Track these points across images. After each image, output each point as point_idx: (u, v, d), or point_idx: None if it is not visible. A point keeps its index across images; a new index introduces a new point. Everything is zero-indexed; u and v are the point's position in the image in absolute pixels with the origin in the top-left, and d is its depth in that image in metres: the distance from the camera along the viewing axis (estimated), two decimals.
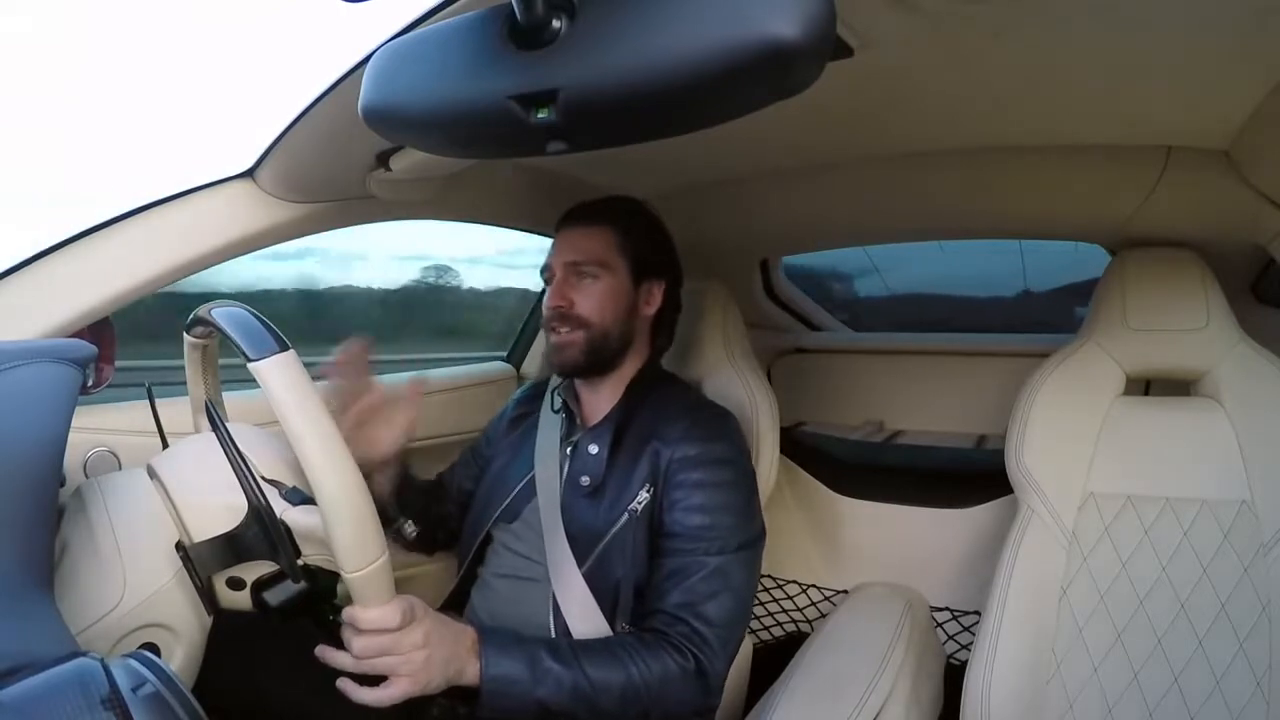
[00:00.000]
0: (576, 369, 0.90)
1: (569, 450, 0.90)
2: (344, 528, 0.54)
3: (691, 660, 0.75)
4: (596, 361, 0.89)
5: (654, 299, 0.93)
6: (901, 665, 0.93)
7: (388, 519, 0.94)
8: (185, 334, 0.71)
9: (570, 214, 0.93)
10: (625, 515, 0.82)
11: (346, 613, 0.61)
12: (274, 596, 0.65)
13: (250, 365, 0.55)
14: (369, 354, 0.81)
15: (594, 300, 0.87)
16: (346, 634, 0.61)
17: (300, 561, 0.64)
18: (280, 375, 0.54)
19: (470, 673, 0.67)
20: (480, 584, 0.93)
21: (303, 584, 0.64)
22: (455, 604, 0.96)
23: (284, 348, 0.56)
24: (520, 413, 1.02)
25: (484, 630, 0.70)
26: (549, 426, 0.94)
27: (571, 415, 0.93)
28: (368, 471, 0.82)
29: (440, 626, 0.65)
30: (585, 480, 0.86)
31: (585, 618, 0.81)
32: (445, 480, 1.06)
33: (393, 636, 0.61)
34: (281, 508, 0.64)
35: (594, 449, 0.87)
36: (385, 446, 0.84)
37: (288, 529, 0.63)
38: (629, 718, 0.72)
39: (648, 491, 0.83)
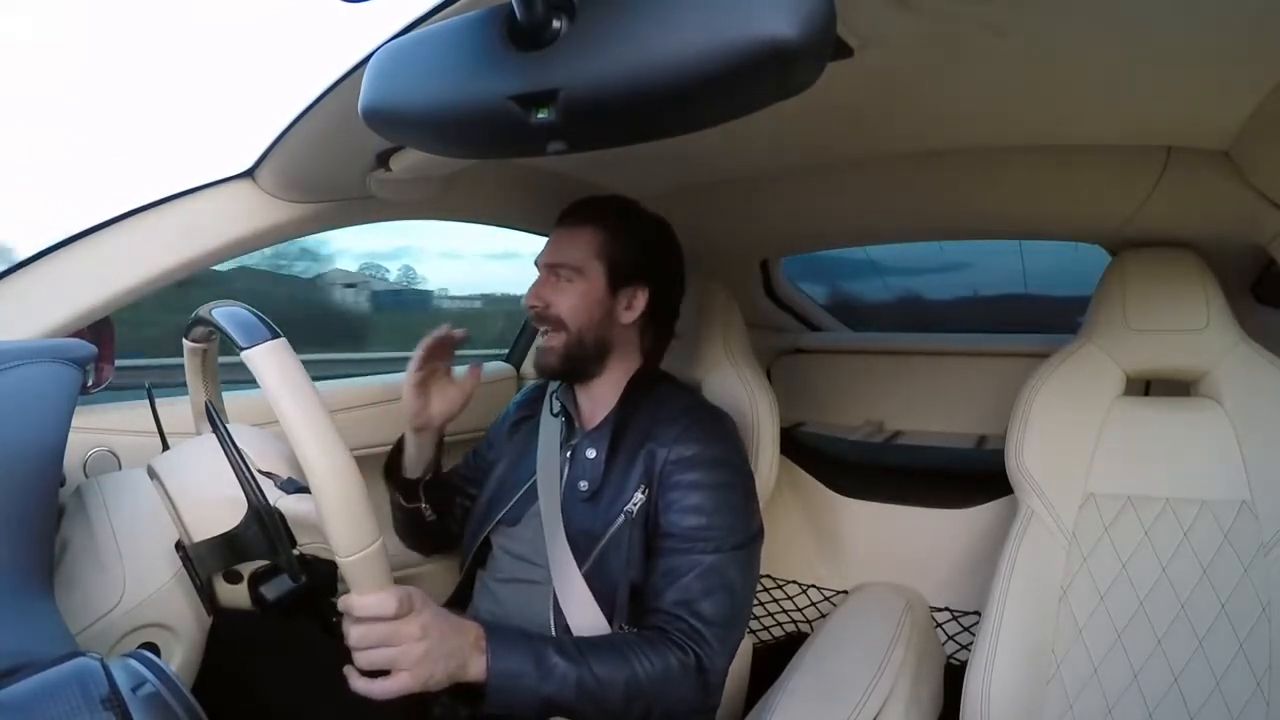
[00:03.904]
0: (554, 373, 0.91)
1: (568, 455, 0.90)
2: (337, 511, 0.54)
3: (692, 657, 0.75)
4: (572, 367, 0.90)
5: (635, 305, 0.90)
6: (901, 665, 0.93)
7: (414, 496, 0.96)
8: (184, 339, 0.71)
9: (565, 212, 0.93)
10: (621, 517, 0.83)
11: (343, 600, 0.60)
12: (271, 591, 0.65)
13: (242, 354, 0.55)
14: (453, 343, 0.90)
15: (568, 302, 0.88)
16: (345, 623, 0.60)
17: (296, 551, 0.64)
18: (271, 361, 0.55)
19: (475, 668, 0.66)
20: (481, 587, 0.93)
21: (302, 579, 0.64)
22: (458, 605, 0.96)
23: (275, 335, 0.56)
24: (521, 416, 1.02)
25: (488, 626, 0.69)
26: (549, 430, 0.94)
27: (570, 419, 0.94)
28: (418, 427, 0.90)
29: (442, 620, 0.64)
30: (584, 485, 0.86)
31: (586, 618, 0.81)
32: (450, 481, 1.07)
33: (390, 625, 0.59)
34: (276, 496, 0.64)
35: (591, 453, 0.87)
36: (435, 412, 0.89)
37: (282, 517, 0.63)
38: (631, 715, 0.72)
39: (642, 493, 0.83)
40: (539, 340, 0.91)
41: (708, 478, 0.83)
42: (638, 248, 0.91)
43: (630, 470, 0.84)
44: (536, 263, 0.93)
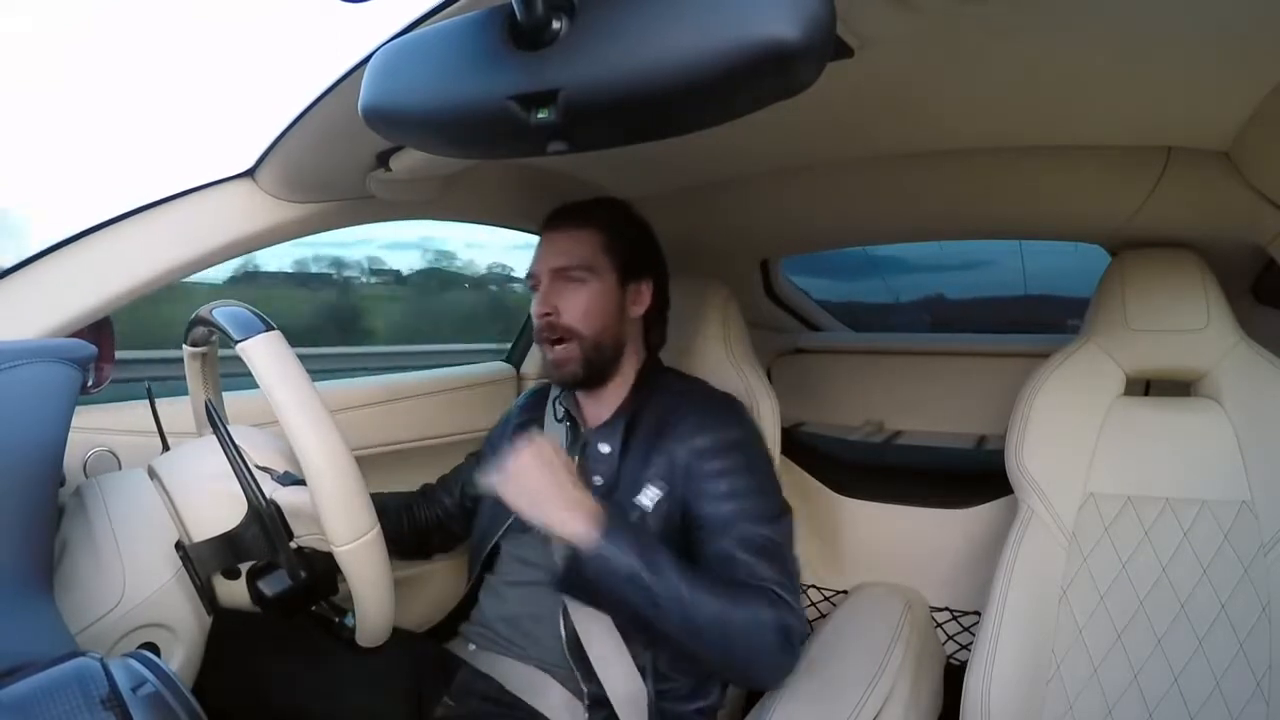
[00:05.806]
0: (577, 383, 0.89)
1: (577, 456, 0.90)
2: (332, 499, 0.54)
3: (778, 612, 0.74)
4: (595, 372, 0.89)
5: (642, 298, 0.92)
6: (901, 666, 0.93)
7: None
8: (184, 344, 0.71)
9: (553, 217, 0.92)
10: (635, 512, 0.82)
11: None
12: (269, 586, 0.65)
13: (237, 347, 0.55)
14: None
15: (580, 306, 0.86)
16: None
17: (294, 544, 0.64)
18: (265, 353, 0.55)
19: (579, 532, 0.70)
20: (489, 590, 0.93)
21: (301, 575, 0.64)
22: (464, 607, 0.96)
23: (269, 328, 0.56)
24: (524, 419, 1.01)
25: (609, 511, 0.74)
26: (553, 434, 0.94)
27: (575, 423, 0.93)
28: None
29: (564, 474, 0.74)
30: (599, 480, 0.85)
31: (597, 619, 0.81)
32: (448, 483, 1.06)
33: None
34: (272, 488, 0.64)
35: (605, 448, 0.87)
36: None
37: (279, 509, 0.63)
38: (710, 654, 0.73)
39: (660, 489, 0.82)
40: (550, 354, 0.87)
41: (731, 463, 0.83)
42: (636, 241, 0.92)
43: (645, 465, 0.84)
44: (531, 273, 0.90)
